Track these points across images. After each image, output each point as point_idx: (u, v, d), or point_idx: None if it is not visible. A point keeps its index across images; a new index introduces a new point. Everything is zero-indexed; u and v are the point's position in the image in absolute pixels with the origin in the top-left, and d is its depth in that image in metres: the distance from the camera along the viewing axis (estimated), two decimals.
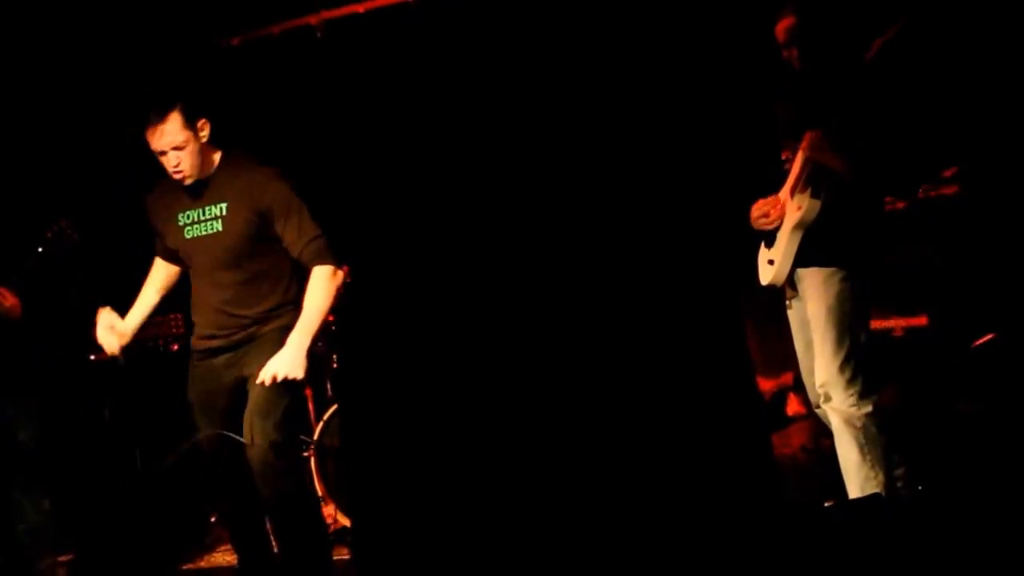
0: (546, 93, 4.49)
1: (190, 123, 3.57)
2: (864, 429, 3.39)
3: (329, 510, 4.59)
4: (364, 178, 4.72)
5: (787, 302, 3.66)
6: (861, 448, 3.39)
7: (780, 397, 5.49)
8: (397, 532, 3.70)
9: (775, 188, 3.59)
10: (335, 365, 4.86)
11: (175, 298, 4.03)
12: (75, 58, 4.91)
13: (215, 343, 3.72)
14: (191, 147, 3.57)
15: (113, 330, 3.78)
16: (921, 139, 4.35)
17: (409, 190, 4.55)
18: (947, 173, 4.57)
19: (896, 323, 4.67)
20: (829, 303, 3.43)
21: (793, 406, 5.46)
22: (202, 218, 3.67)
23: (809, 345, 3.57)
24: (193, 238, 3.69)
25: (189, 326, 3.99)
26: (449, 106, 4.65)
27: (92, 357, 4.66)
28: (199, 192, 3.68)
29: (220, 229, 3.64)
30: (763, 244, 3.66)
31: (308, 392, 4.95)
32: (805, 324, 3.57)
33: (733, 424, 3.56)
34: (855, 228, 3.47)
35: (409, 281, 4.16)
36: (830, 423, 3.51)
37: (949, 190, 4.57)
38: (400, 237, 4.36)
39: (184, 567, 4.61)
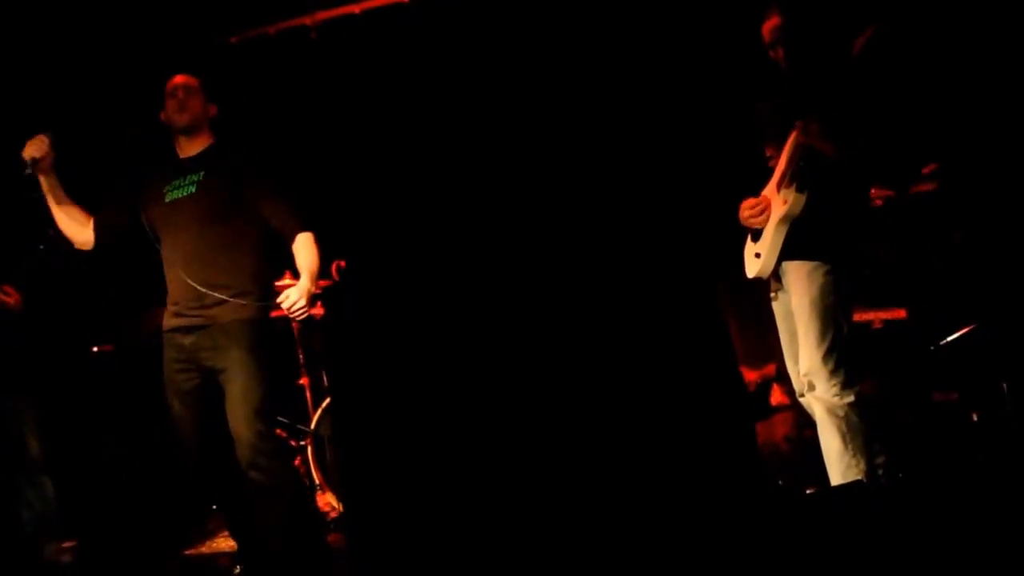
0: (535, 91, 4.57)
1: (205, 94, 3.97)
2: (846, 418, 3.42)
3: (329, 498, 4.67)
4: (359, 175, 4.80)
5: (772, 294, 3.70)
6: (843, 437, 3.42)
7: (764, 387, 5.56)
8: (390, 520, 3.76)
9: (758, 184, 3.63)
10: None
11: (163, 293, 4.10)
12: (75, 58, 4.96)
13: (182, 321, 3.82)
14: (200, 104, 3.93)
15: (43, 144, 3.85)
16: (904, 135, 4.40)
17: (401, 187, 4.63)
18: (926, 170, 4.60)
19: (876, 316, 4.70)
20: (813, 295, 3.46)
21: (777, 396, 5.53)
22: (182, 184, 3.90)
23: (793, 336, 3.60)
24: (171, 201, 3.88)
25: None
26: (442, 105, 4.73)
27: (95, 349, 4.73)
28: (183, 167, 3.92)
29: (194, 191, 3.85)
30: (749, 238, 3.70)
31: (305, 382, 5.05)
32: (789, 316, 3.61)
33: (717, 413, 3.60)
34: (840, 223, 3.50)
35: (395, 272, 4.23)
36: (813, 413, 3.54)
37: (928, 187, 4.59)
38: (391, 232, 4.41)
39: (186, 552, 4.67)
